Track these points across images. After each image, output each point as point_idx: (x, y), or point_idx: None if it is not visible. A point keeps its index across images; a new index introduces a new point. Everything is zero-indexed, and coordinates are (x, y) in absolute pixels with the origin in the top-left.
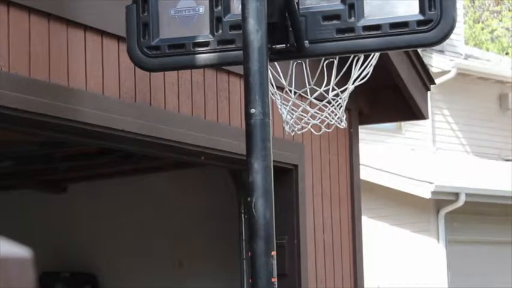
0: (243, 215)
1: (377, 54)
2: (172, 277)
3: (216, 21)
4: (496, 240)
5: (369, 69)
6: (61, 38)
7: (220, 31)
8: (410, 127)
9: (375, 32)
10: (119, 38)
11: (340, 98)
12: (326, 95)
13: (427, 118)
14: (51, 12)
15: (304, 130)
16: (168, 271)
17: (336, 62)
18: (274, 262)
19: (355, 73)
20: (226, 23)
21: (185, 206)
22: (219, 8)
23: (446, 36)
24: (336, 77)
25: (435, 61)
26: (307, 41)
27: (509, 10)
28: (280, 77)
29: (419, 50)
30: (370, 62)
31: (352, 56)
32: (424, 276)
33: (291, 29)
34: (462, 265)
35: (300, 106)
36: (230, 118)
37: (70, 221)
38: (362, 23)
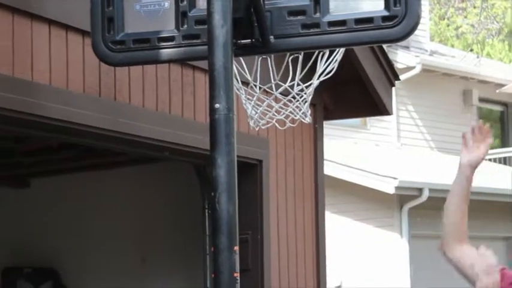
0: (206, 210)
1: (342, 50)
2: (135, 273)
3: (181, 16)
4: None
5: (334, 65)
6: (25, 32)
7: (185, 26)
8: (375, 123)
9: (340, 28)
10: (83, 33)
11: (305, 93)
12: (291, 90)
13: (392, 114)
14: (16, 7)
15: (268, 125)
16: (131, 267)
17: (301, 57)
18: (237, 257)
19: (320, 68)
20: (191, 18)
21: (149, 200)
22: (185, 2)
23: (410, 32)
24: (301, 72)
25: (400, 57)
26: (272, 36)
27: (474, 7)
28: (245, 72)
29: (384, 46)
30: (335, 57)
31: (317, 52)
32: (387, 270)
33: (256, 24)
34: (425, 259)
35: (265, 101)
36: (195, 113)
37: (33, 216)
38: (327, 18)
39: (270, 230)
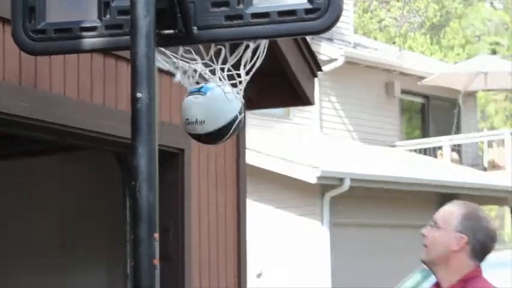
0: (127, 198)
1: (264, 43)
2: (54, 261)
3: (104, 6)
4: (379, 223)
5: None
6: None
7: (108, 16)
8: (298, 113)
9: (263, 20)
10: (4, 20)
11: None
12: (212, 79)
13: (314, 104)
14: None
15: None
16: (49, 255)
17: (224, 49)
18: (157, 244)
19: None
20: (114, 8)
21: (70, 189)
22: None
23: (332, 24)
24: (224, 63)
25: (324, 49)
26: (195, 27)
27: (397, 1)
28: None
29: (307, 38)
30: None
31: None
32: (308, 258)
33: (179, 15)
34: (345, 247)
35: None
36: (117, 102)
37: None
38: (250, 10)
39: (191, 219)
